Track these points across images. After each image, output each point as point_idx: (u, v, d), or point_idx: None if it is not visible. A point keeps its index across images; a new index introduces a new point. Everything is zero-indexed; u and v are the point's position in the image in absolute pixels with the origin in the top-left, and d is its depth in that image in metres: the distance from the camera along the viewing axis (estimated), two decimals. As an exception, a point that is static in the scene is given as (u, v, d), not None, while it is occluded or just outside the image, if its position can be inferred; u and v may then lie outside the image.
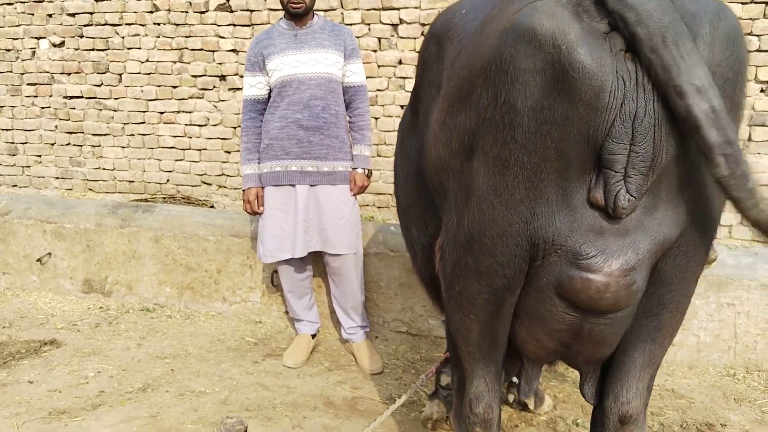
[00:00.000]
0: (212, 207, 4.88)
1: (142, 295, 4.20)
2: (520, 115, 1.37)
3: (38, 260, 4.30)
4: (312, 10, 3.35)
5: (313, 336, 3.62)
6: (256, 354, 3.59)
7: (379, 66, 4.56)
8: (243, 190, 3.39)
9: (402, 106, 4.45)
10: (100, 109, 5.24)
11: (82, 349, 3.57)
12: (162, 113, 5.13)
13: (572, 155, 1.38)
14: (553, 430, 2.86)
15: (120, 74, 5.15)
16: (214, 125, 5.01)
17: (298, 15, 3.27)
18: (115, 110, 5.21)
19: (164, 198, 5.10)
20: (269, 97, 3.36)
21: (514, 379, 2.96)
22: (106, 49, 5.12)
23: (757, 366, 3.34)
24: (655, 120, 1.32)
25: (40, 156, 5.47)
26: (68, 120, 5.33)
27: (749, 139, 4.09)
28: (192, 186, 5.16)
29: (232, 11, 4.79)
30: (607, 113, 1.32)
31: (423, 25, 4.42)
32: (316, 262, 3.64)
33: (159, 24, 4.97)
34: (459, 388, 1.95)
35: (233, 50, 4.84)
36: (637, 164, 1.34)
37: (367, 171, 3.39)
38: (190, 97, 5.02)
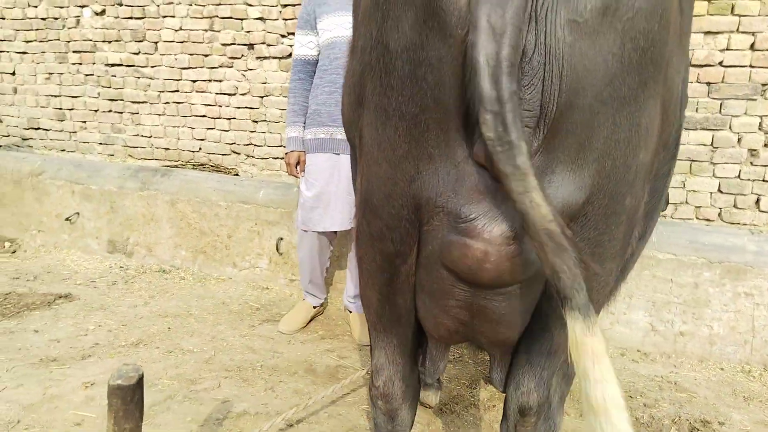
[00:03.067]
0: (236, 175, 4.94)
1: (160, 257, 4.32)
2: (393, 56, 1.22)
3: (67, 219, 4.50)
4: None
5: (315, 307, 3.60)
6: (255, 319, 3.62)
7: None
8: (285, 153, 3.32)
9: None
10: (138, 77, 5.39)
11: (92, 304, 3.71)
12: (194, 82, 5.21)
13: (450, 103, 1.19)
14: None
15: (156, 42, 5.27)
16: (243, 94, 5.05)
17: None
18: (151, 78, 5.35)
19: (194, 166, 5.21)
20: (318, 59, 3.24)
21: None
22: (142, 17, 5.24)
23: (777, 363, 3.06)
24: (546, 58, 1.12)
25: (85, 122, 5.70)
26: (110, 87, 5.51)
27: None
28: (222, 155, 5.24)
29: (260, -21, 4.79)
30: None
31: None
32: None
33: (192, -7, 5.04)
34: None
35: (260, 18, 4.85)
36: (522, 113, 1.14)
37: None
38: (220, 66, 5.08)
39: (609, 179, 1.24)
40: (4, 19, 5.74)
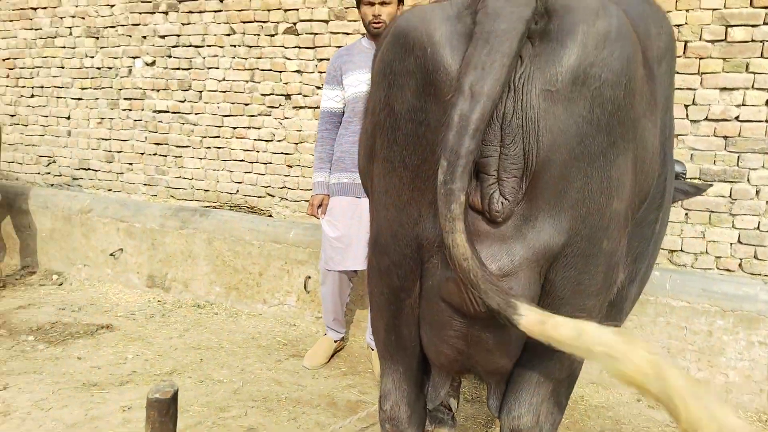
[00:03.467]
0: (270, 216, 5.19)
1: (196, 293, 4.56)
2: (398, 117, 1.43)
3: (111, 254, 4.79)
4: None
5: (336, 341, 3.76)
6: (282, 353, 3.79)
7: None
8: (312, 195, 3.56)
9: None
10: (183, 123, 5.75)
11: (131, 334, 3.95)
12: (234, 128, 5.54)
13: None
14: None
15: (200, 91, 5.63)
16: (279, 141, 5.35)
17: (378, 34, 3.34)
18: (195, 124, 5.70)
19: (231, 207, 5.49)
20: (344, 111, 3.51)
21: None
22: (189, 69, 5.63)
23: (793, 413, 3.09)
24: (524, 121, 1.32)
25: (131, 164, 6.07)
26: (156, 132, 5.88)
27: None
28: (258, 197, 5.51)
29: (297, 35, 5.13)
30: None
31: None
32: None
33: (235, 46, 5.40)
34: None
35: (298, 71, 5.17)
36: (508, 167, 1.34)
37: None
38: (259, 114, 5.40)
39: (585, 224, 1.42)
40: (63, 68, 6.21)
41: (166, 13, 5.64)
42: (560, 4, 1.36)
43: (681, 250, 4.20)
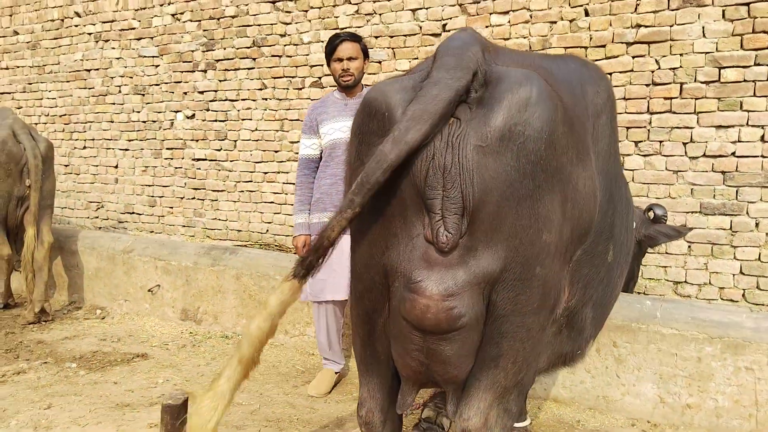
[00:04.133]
0: (295, 254, 5.53)
1: (224, 325, 4.90)
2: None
3: (149, 290, 5.19)
4: (360, 83, 3.90)
5: (336, 372, 3.99)
6: (299, 380, 4.06)
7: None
8: (293, 237, 3.92)
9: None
10: (219, 170, 6.22)
11: (163, 362, 4.29)
12: (265, 173, 5.96)
13: (408, 200, 1.70)
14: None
15: (235, 141, 6.10)
16: (305, 184, 5.73)
17: (348, 87, 3.79)
18: (230, 170, 6.15)
19: (260, 245, 5.87)
20: (321, 157, 3.91)
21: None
22: (225, 120, 6.12)
23: (784, 437, 3.17)
24: (461, 171, 1.63)
25: (172, 207, 6.56)
26: (194, 178, 6.37)
27: None
28: (285, 236, 5.88)
29: (322, 87, 5.55)
30: (422, 165, 1.66)
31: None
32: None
33: (266, 99, 5.87)
34: None
35: (321, 119, 5.58)
36: (449, 207, 1.64)
37: None
38: (288, 160, 5.80)
39: (518, 254, 1.70)
40: (112, 122, 6.81)
41: (204, 71, 6.18)
42: (494, 77, 1.71)
43: (685, 281, 4.33)
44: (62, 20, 7.07)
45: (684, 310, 3.41)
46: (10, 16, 7.49)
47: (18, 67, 7.49)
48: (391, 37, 5.20)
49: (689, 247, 4.32)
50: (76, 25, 6.97)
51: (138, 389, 3.81)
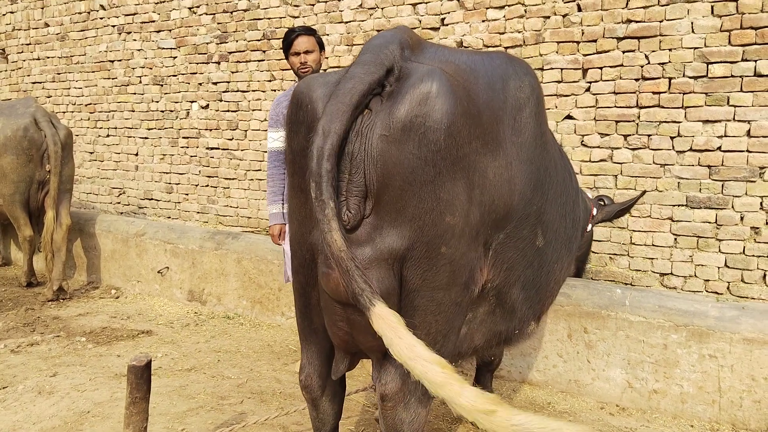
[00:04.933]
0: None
1: (227, 306, 5.15)
2: (295, 154, 1.96)
3: (159, 272, 5.48)
4: (318, 73, 4.05)
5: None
6: (289, 359, 4.28)
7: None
8: (269, 226, 4.03)
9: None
10: (231, 159, 6.47)
11: (165, 339, 4.56)
12: (273, 162, 6.17)
13: None
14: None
15: (245, 131, 6.34)
16: (310, 173, 5.94)
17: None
18: (240, 159, 6.40)
19: (267, 232, 6.10)
20: None
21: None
22: (237, 111, 6.36)
23: (744, 424, 3.25)
24: (366, 157, 1.80)
25: (187, 194, 6.84)
26: (208, 166, 6.63)
27: None
28: (292, 223, 6.09)
29: (326, 79, 5.73)
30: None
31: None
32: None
33: (275, 90, 6.09)
34: None
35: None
36: (351, 190, 1.82)
37: None
38: (294, 149, 6.01)
39: (422, 233, 1.86)
40: (133, 111, 7.13)
41: (218, 62, 6.43)
42: (404, 72, 1.87)
43: (671, 274, 4.40)
44: (88, 13, 7.41)
45: (652, 298, 3.50)
46: (42, 8, 7.87)
47: (48, 57, 7.88)
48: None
49: (675, 239, 4.38)
50: (101, 18, 7.30)
51: (138, 362, 4.07)
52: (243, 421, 3.18)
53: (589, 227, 3.51)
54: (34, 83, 8.08)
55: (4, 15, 8.36)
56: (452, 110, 1.81)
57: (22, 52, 8.20)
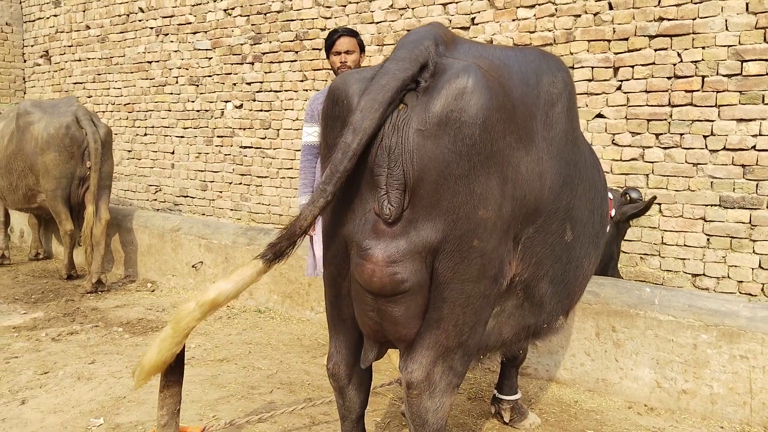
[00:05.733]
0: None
1: (258, 300, 5.26)
2: (329, 149, 2.01)
3: (193, 266, 5.62)
4: None
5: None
6: (318, 352, 4.35)
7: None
8: None
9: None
10: (263, 157, 6.60)
11: (198, 330, 4.67)
12: (305, 160, 6.27)
13: (363, 179, 1.92)
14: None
15: (278, 130, 6.46)
16: (341, 171, 6.02)
17: None
18: (273, 158, 6.52)
19: (298, 229, 6.20)
20: None
21: (500, 395, 3.33)
22: (269, 110, 6.49)
23: (776, 425, 3.21)
24: (403, 151, 1.84)
25: (221, 192, 6.99)
26: (241, 165, 6.77)
27: None
28: (322, 221, 6.18)
29: (357, 78, 5.81)
30: (372, 146, 1.86)
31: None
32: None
33: (307, 90, 6.19)
34: None
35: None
36: (392, 183, 1.85)
37: None
38: (325, 148, 6.10)
39: (456, 227, 1.89)
40: (170, 111, 7.32)
41: (252, 63, 6.56)
42: (440, 68, 1.91)
43: (704, 274, 4.34)
44: (128, 15, 7.63)
45: (682, 297, 3.48)
46: (83, 11, 8.13)
47: (89, 59, 8.13)
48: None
49: (708, 240, 4.33)
50: (140, 20, 7.51)
51: (172, 352, 4.20)
52: (272, 411, 3.27)
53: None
54: (75, 83, 8.35)
55: (47, 18, 8.66)
56: (487, 105, 1.85)
57: (65, 53, 8.48)
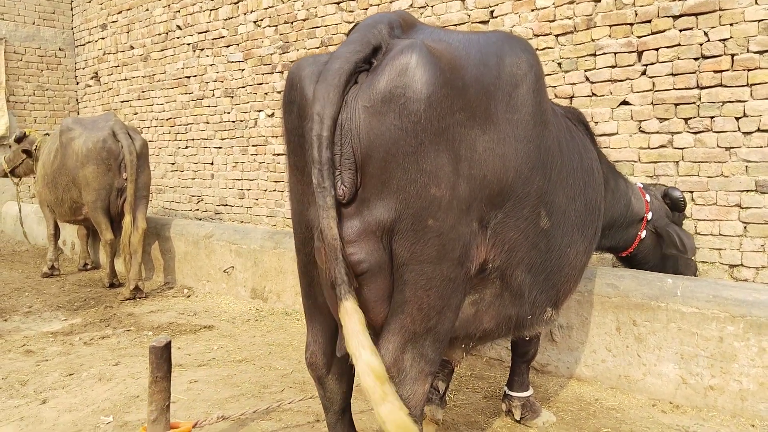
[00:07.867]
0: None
1: (286, 302, 5.29)
2: (289, 134, 1.99)
3: (225, 271, 5.72)
4: None
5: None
6: (339, 352, 4.33)
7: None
8: None
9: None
10: (295, 163, 6.67)
11: (224, 333, 4.75)
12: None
13: None
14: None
15: (308, 135, 6.51)
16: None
17: None
18: (304, 163, 6.58)
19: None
20: None
21: (510, 392, 3.22)
22: (299, 116, 6.56)
23: (813, 423, 2.96)
24: (351, 127, 1.80)
25: (257, 199, 7.12)
26: (275, 172, 6.87)
27: None
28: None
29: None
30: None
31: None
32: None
33: (334, 94, 6.22)
34: None
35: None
36: (344, 163, 1.82)
37: None
38: (353, 151, 6.11)
39: (408, 205, 1.84)
40: (208, 123, 7.52)
41: (281, 72, 6.67)
42: (389, 48, 1.88)
43: (741, 265, 4.08)
44: (167, 33, 7.91)
45: (706, 288, 3.27)
46: (128, 32, 8.49)
47: (134, 77, 8.48)
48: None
49: (745, 228, 4.07)
50: (178, 37, 7.77)
51: (195, 353, 4.27)
52: (279, 407, 3.27)
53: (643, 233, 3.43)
54: (122, 102, 8.72)
55: (96, 41, 9.09)
56: (432, 81, 1.80)
57: (112, 74, 8.87)
